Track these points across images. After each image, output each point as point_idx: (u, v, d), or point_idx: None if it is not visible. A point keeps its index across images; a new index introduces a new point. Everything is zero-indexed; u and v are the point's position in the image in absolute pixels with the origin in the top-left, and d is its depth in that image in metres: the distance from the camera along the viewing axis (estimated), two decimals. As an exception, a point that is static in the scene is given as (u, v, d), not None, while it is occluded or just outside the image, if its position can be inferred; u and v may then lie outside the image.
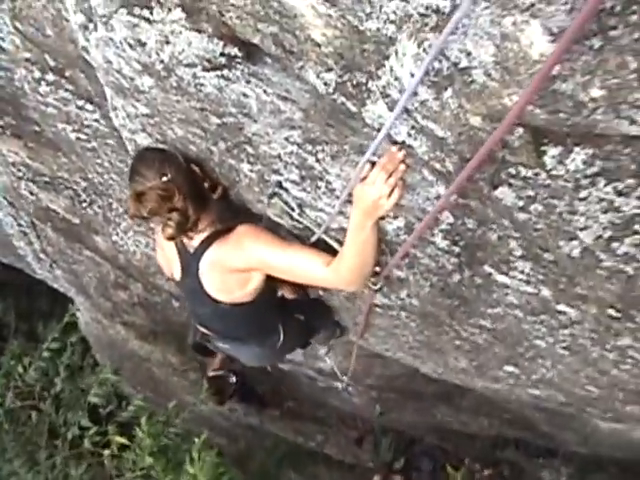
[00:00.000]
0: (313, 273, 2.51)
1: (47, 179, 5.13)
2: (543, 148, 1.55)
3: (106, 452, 5.30)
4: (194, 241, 2.72)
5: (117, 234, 5.33)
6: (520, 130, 1.53)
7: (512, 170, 1.66)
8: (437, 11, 1.49)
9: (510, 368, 2.99)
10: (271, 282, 2.79)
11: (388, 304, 2.89)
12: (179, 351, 7.41)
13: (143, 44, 2.24)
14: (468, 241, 2.17)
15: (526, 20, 1.31)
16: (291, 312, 3.39)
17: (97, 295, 6.78)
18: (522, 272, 2.16)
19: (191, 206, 2.58)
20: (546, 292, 2.19)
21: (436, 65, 1.54)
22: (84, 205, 5.29)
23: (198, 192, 2.64)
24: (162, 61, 2.24)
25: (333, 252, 2.52)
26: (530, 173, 1.63)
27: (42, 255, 6.53)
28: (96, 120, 3.90)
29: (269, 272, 2.64)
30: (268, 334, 3.25)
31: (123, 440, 5.13)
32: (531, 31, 1.32)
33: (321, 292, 3.42)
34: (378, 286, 2.62)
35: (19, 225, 6.22)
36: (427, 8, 1.50)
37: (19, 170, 5.03)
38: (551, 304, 2.24)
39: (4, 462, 5.49)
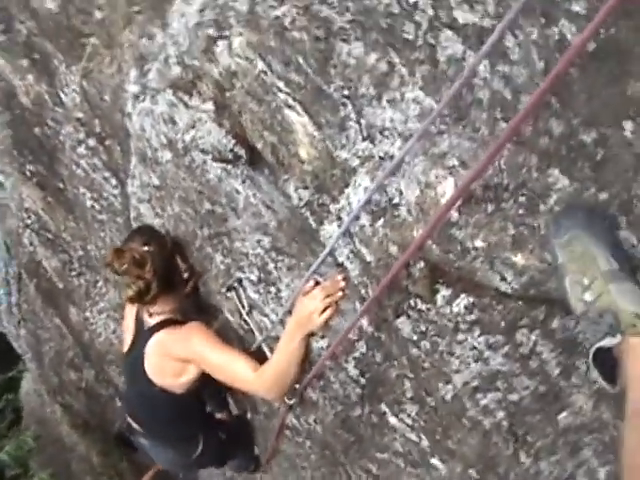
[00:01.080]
0: (240, 375, 2.87)
1: (50, 236, 5.52)
2: (437, 286, 1.95)
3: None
4: (152, 320, 3.12)
5: (91, 312, 5.65)
6: (422, 264, 1.94)
7: (412, 301, 2.05)
8: (391, 157, 1.95)
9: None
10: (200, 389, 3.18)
11: (297, 427, 3.18)
12: (103, 453, 7.45)
13: (174, 122, 2.73)
14: (373, 374, 2.51)
15: (444, 176, 1.76)
16: (215, 428, 3.68)
17: (49, 368, 6.97)
18: (409, 416, 2.47)
19: (156, 283, 2.99)
20: (425, 442, 2.50)
21: (377, 197, 1.98)
22: (73, 273, 5.64)
23: (169, 276, 3.07)
24: (184, 141, 2.72)
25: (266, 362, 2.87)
26: (424, 307, 2.02)
27: (15, 309, 6.82)
28: (114, 195, 4.37)
29: (204, 367, 2.98)
30: (186, 440, 3.53)
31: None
32: (446, 185, 1.76)
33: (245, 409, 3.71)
34: (292, 401, 2.93)
35: (7, 272, 6.56)
36: (385, 154, 1.95)
37: (29, 218, 5.46)
38: (427, 457, 2.53)
39: None
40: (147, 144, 2.94)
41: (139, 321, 3.10)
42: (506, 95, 1.67)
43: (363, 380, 2.58)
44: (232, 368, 2.87)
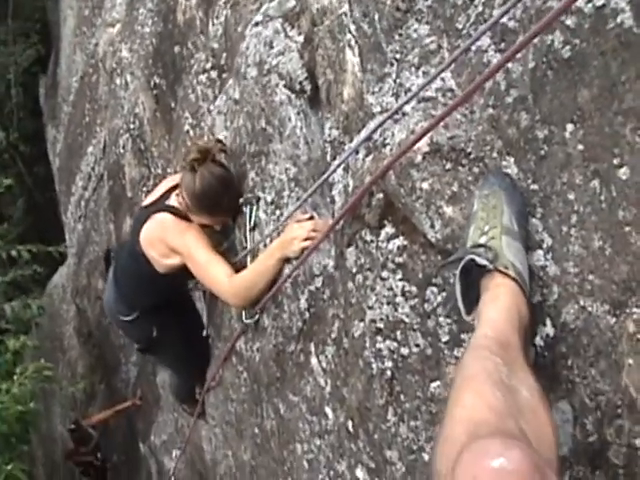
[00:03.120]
0: (215, 277, 3.32)
1: (142, 147, 6.12)
2: (385, 222, 2.31)
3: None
4: (171, 201, 3.56)
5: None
6: (380, 195, 2.31)
7: (363, 232, 2.41)
8: (404, 114, 2.34)
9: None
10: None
11: (242, 353, 3.54)
12: (90, 368, 7.90)
13: (272, 47, 3.21)
14: (317, 311, 2.87)
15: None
16: (175, 325, 4.10)
17: (84, 267, 7.53)
18: (326, 357, 2.80)
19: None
20: (327, 389, 2.82)
21: (377, 137, 2.37)
22: (144, 188, 6.17)
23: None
24: (270, 64, 3.19)
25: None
26: (369, 238, 2.37)
27: (83, 204, 7.44)
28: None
29: (187, 262, 3.43)
30: (143, 312, 4.00)
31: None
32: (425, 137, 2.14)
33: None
34: (252, 320, 3.30)
35: (92, 169, 7.19)
36: (400, 110, 2.35)
37: (134, 123, 6.07)
38: (324, 404, 2.85)
39: None
40: (244, 60, 3.43)
41: (167, 192, 3.49)
42: (502, 87, 2.04)
43: (307, 314, 2.93)
44: (210, 269, 3.31)
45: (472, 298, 1.87)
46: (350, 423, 2.65)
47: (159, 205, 3.42)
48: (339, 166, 2.54)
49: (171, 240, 3.28)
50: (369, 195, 2.34)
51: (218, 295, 3.33)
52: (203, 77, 4.88)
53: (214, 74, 4.73)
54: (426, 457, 2.30)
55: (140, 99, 6.06)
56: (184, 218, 3.35)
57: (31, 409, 5.32)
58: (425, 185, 2.12)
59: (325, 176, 2.59)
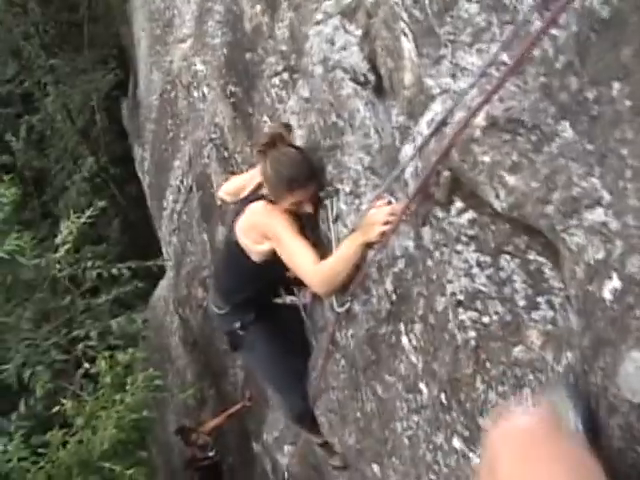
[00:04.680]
0: (302, 264, 3.52)
1: (226, 154, 6.38)
2: (454, 197, 2.47)
3: (85, 365, 6.35)
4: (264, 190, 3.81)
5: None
6: (447, 173, 2.47)
7: (435, 210, 2.58)
8: (462, 95, 2.49)
9: (375, 467, 3.68)
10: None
11: (338, 342, 3.73)
12: (198, 375, 8.23)
13: (333, 43, 3.40)
14: (403, 291, 3.04)
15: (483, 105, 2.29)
16: (272, 317, 4.27)
17: (183, 278, 7.88)
18: (415, 335, 2.97)
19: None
20: (420, 365, 2.98)
21: (438, 118, 2.53)
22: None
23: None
24: (334, 59, 3.38)
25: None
26: (441, 215, 2.54)
27: (175, 216, 7.78)
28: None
29: (276, 247, 3.62)
30: (234, 306, 4.21)
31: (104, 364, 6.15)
32: (482, 111, 2.29)
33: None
34: (344, 307, 3.49)
35: (181, 182, 7.52)
36: (459, 88, 2.50)
37: (215, 132, 6.35)
38: (418, 381, 3.01)
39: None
40: (310, 59, 3.63)
41: (260, 185, 3.71)
42: (550, 54, 2.17)
43: (394, 296, 3.10)
44: (297, 255, 3.51)
45: None
46: (443, 395, 2.81)
47: (252, 197, 3.66)
48: (410, 161, 2.70)
49: (262, 225, 3.50)
50: (436, 174, 2.50)
51: (304, 281, 3.46)
52: (276, 80, 5.10)
53: (286, 76, 4.94)
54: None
55: (219, 109, 6.34)
56: (276, 204, 3.50)
57: (145, 417, 5.67)
58: (486, 158, 2.26)
59: (399, 169, 2.76)
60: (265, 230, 3.48)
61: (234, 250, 3.68)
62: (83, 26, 11.58)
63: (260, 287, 4.10)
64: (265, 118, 5.43)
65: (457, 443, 2.76)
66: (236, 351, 4.56)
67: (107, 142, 11.31)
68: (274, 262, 3.53)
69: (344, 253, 3.23)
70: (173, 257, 8.20)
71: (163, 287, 8.88)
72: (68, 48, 11.62)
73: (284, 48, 4.94)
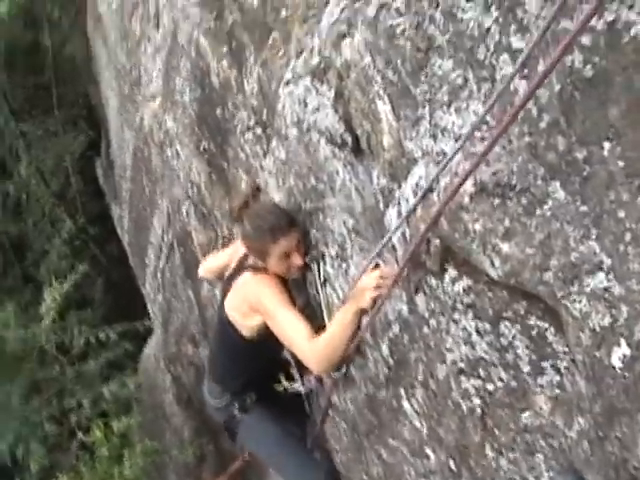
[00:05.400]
0: (297, 338, 3.33)
1: (205, 211, 6.28)
2: (447, 266, 2.37)
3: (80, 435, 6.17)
4: (250, 260, 3.67)
5: (219, 289, 6.29)
6: (437, 241, 2.37)
7: (428, 278, 2.48)
8: (444, 154, 2.40)
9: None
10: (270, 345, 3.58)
11: (337, 406, 3.61)
12: (196, 431, 8.07)
13: (306, 104, 3.31)
14: (400, 356, 2.93)
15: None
16: (269, 395, 4.00)
17: (172, 336, 7.74)
18: (417, 401, 2.86)
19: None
20: (424, 430, 2.87)
21: (423, 184, 2.44)
22: (214, 251, 6.31)
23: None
24: (308, 121, 3.29)
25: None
26: (434, 283, 2.44)
27: (159, 274, 7.65)
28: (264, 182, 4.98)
29: (267, 320, 3.37)
30: (236, 389, 3.98)
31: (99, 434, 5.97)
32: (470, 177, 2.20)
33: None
34: (339, 373, 3.36)
35: (162, 239, 7.40)
36: (441, 150, 2.41)
37: (192, 189, 6.25)
38: (424, 445, 2.90)
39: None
40: (283, 122, 3.54)
41: (244, 257, 3.59)
42: (534, 113, 2.08)
43: (391, 361, 2.99)
44: (291, 330, 3.34)
45: None
46: (452, 462, 2.70)
47: (237, 272, 3.54)
48: (398, 229, 2.60)
49: (251, 296, 3.35)
50: (426, 242, 2.40)
51: (299, 358, 3.30)
52: (249, 135, 5.01)
53: (259, 130, 4.85)
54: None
55: (193, 165, 6.25)
56: (263, 272, 3.40)
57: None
58: (477, 226, 2.17)
59: (387, 237, 2.66)
60: (255, 302, 3.33)
61: (226, 329, 3.56)
62: (51, 88, 11.48)
63: (257, 368, 3.89)
64: (241, 173, 5.34)
65: (470, 511, 2.64)
66: (235, 439, 4.16)
67: (84, 203, 11.19)
68: (268, 338, 3.34)
69: (339, 326, 3.03)
70: (159, 315, 8.05)
71: (152, 345, 8.72)
72: (37, 112, 11.52)
73: (254, 103, 4.86)
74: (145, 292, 8.66)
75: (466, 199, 2.19)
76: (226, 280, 3.68)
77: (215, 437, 7.79)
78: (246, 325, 3.43)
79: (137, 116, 7.92)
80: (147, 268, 8.29)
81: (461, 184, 2.12)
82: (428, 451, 2.85)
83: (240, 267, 3.57)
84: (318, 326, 3.44)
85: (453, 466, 2.67)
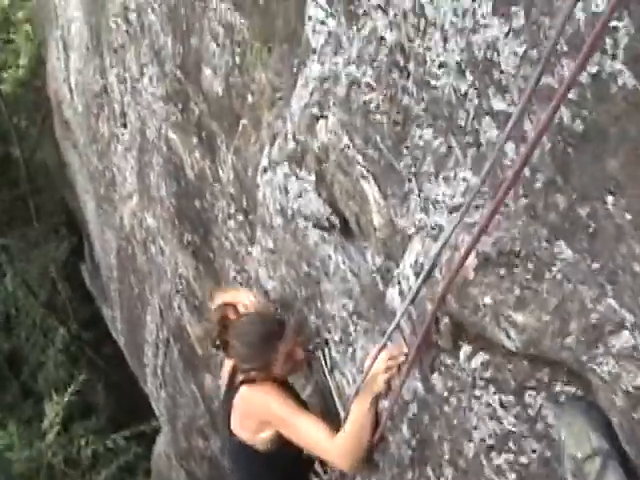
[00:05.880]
0: (316, 440, 3.11)
1: (197, 303, 6.16)
2: (460, 342, 2.25)
3: None
4: (241, 375, 3.29)
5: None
6: (446, 319, 2.26)
7: (442, 357, 2.35)
8: (439, 227, 2.31)
9: None
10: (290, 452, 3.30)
11: (362, 493, 3.44)
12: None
13: (287, 191, 3.23)
14: (422, 436, 2.79)
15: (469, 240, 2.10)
16: None
17: (180, 432, 7.54)
18: (447, 479, 2.71)
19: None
20: (459, 512, 2.71)
21: (422, 260, 2.34)
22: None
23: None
24: (292, 208, 3.21)
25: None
26: (449, 362, 2.31)
27: (159, 372, 7.48)
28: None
29: (281, 429, 3.13)
30: None
31: None
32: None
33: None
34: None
35: (157, 336, 7.26)
36: (435, 223, 2.32)
37: (181, 284, 6.14)
38: (462, 526, 2.74)
39: None
40: (266, 211, 3.45)
41: (234, 372, 3.36)
42: (527, 174, 2.00)
43: (414, 442, 2.85)
44: (309, 434, 3.11)
45: None
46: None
47: (232, 391, 3.30)
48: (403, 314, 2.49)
49: (256, 411, 3.15)
50: (435, 322, 2.28)
51: (325, 460, 3.14)
52: (231, 223, 4.94)
53: (240, 217, 4.78)
54: None
55: (179, 259, 6.16)
56: (259, 382, 3.20)
57: None
58: (487, 299, 2.06)
59: (392, 326, 2.54)
60: (263, 415, 3.14)
61: (240, 450, 3.32)
62: (27, 199, 11.41)
63: (283, 473, 3.57)
64: (229, 262, 5.24)
65: None
66: None
67: (74, 308, 11.03)
68: (285, 444, 3.14)
69: (358, 418, 2.85)
70: (165, 412, 7.85)
71: (162, 443, 8.49)
72: (17, 223, 11.43)
73: (232, 190, 4.80)
74: (148, 390, 8.46)
75: (471, 273, 2.08)
76: (223, 401, 3.50)
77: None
78: (259, 440, 3.22)
79: (116, 216, 7.84)
80: (146, 367, 8.11)
81: (464, 259, 2.01)
82: (467, 532, 2.68)
83: (232, 384, 3.33)
84: (331, 415, 3.30)
85: None
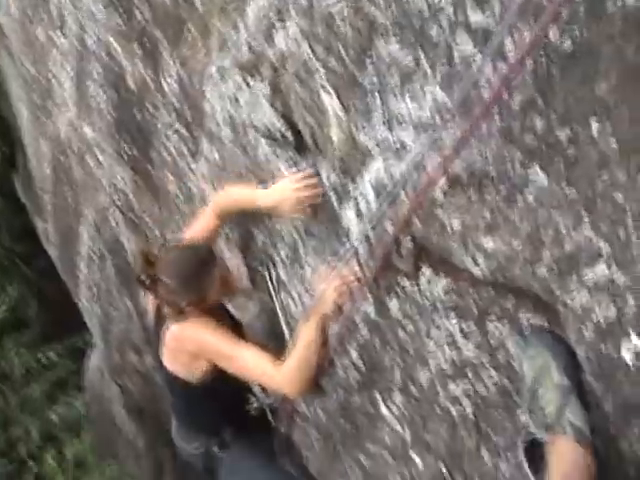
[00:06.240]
0: (259, 370, 2.92)
1: (134, 218, 5.91)
2: (422, 266, 2.13)
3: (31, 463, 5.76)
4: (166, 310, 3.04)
5: (158, 295, 5.94)
6: (409, 241, 2.12)
7: (400, 280, 2.23)
8: (403, 145, 2.15)
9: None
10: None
11: (306, 414, 3.36)
12: (149, 441, 7.72)
13: (238, 102, 3.01)
14: (371, 361, 2.69)
15: (438, 160, 1.95)
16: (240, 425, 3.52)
17: (114, 347, 7.36)
18: (396, 406, 2.63)
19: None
20: (407, 435, 2.64)
21: (385, 180, 2.19)
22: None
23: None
24: (243, 120, 3.00)
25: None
26: (409, 286, 2.19)
27: (93, 286, 7.23)
28: (195, 184, 4.68)
29: (220, 363, 2.93)
30: (205, 432, 3.50)
31: (52, 462, 5.57)
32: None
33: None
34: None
35: (91, 249, 6.99)
36: (399, 140, 2.16)
37: (119, 197, 5.88)
38: (408, 450, 2.67)
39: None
40: (213, 122, 3.24)
41: (159, 308, 3.12)
42: (505, 96, 1.84)
43: (362, 366, 2.75)
44: (251, 365, 2.92)
45: (540, 463, 1.88)
46: (443, 467, 2.49)
47: (159, 326, 3.08)
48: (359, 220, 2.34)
49: (188, 347, 2.95)
50: (396, 244, 2.15)
51: (271, 389, 3.03)
52: (172, 135, 4.68)
53: (183, 130, 4.53)
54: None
55: (117, 172, 5.87)
56: (187, 315, 2.96)
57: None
58: (455, 222, 1.93)
59: (351, 243, 2.39)
60: (196, 350, 2.94)
61: (175, 384, 3.14)
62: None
63: (224, 402, 3.33)
64: (169, 175, 5.00)
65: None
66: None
67: (6, 220, 10.57)
68: (221, 374, 2.97)
69: (306, 341, 2.70)
70: (98, 326, 7.65)
71: (94, 357, 8.31)
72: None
73: (175, 102, 4.53)
74: (81, 305, 8.22)
75: (439, 194, 1.94)
76: (152, 335, 3.29)
77: (171, 444, 7.45)
78: (194, 374, 3.03)
79: (52, 126, 7.45)
80: (80, 280, 7.85)
81: (434, 181, 1.87)
82: (414, 456, 2.63)
83: (160, 317, 3.09)
84: (275, 335, 3.18)
85: (444, 470, 2.46)
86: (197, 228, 3.17)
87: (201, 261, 2.97)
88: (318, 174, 2.54)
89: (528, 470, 1.88)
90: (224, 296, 3.23)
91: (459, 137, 1.80)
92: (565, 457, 1.81)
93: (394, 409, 2.63)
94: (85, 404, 6.83)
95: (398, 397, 2.57)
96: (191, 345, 3.02)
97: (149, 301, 3.33)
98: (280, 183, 2.79)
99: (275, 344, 3.24)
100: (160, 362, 3.22)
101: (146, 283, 2.87)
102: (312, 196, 2.66)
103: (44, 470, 5.63)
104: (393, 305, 2.29)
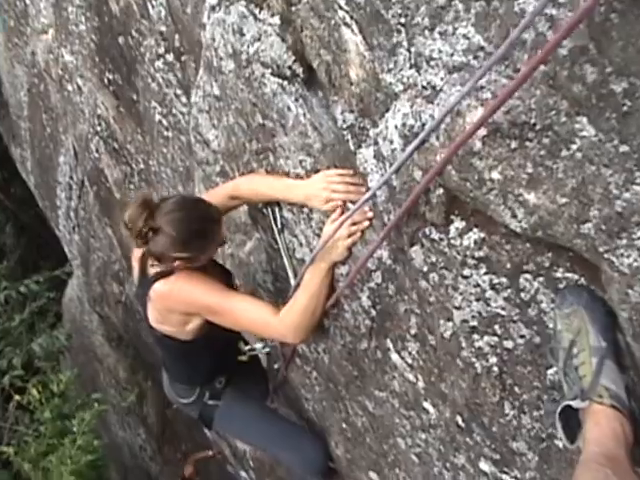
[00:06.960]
0: (259, 320, 2.79)
1: (116, 146, 5.71)
2: (452, 217, 2.01)
3: (16, 397, 5.67)
4: (152, 269, 2.88)
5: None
6: (440, 191, 2.00)
7: (427, 230, 2.11)
8: (433, 87, 2.00)
9: (373, 475, 3.29)
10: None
11: (307, 355, 3.27)
12: (130, 369, 7.67)
13: (242, 34, 2.82)
14: (384, 307, 2.58)
15: (475, 106, 1.81)
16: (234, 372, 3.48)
17: (94, 276, 7.22)
18: (410, 354, 2.54)
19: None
20: (420, 384, 2.56)
21: (412, 122, 2.04)
22: (131, 186, 5.81)
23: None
24: (248, 53, 2.81)
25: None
26: (437, 236, 2.07)
27: (72, 214, 7.06)
28: (182, 113, 4.49)
29: (211, 318, 2.81)
30: (203, 381, 3.43)
31: (35, 393, 5.49)
32: (476, 115, 1.81)
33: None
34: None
35: (71, 178, 6.78)
36: (428, 83, 2.00)
37: (100, 125, 5.65)
38: (420, 399, 2.60)
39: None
40: (214, 53, 3.04)
41: (144, 261, 2.91)
42: (549, 38, 1.69)
43: (374, 312, 2.65)
44: (249, 316, 2.76)
45: (575, 427, 1.81)
46: (459, 418, 2.42)
47: (145, 284, 2.90)
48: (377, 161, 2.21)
49: (178, 305, 2.80)
50: (425, 192, 2.02)
51: (272, 337, 2.96)
52: (159, 63, 4.47)
53: (170, 57, 4.33)
54: (560, 444, 2.06)
55: (98, 99, 5.64)
56: (174, 272, 2.82)
57: (100, 457, 5.07)
58: (494, 174, 1.80)
59: (372, 190, 2.25)
60: (186, 308, 2.80)
61: (164, 342, 3.01)
62: None
63: (216, 353, 3.24)
64: (154, 104, 4.80)
65: (485, 466, 2.39)
66: (210, 427, 3.56)
67: (-21, 146, 10.25)
68: (213, 328, 2.86)
69: (311, 287, 2.61)
70: (78, 255, 7.50)
71: (74, 286, 8.18)
72: None
73: (163, 28, 4.31)
74: (60, 234, 8.04)
75: (478, 143, 1.80)
76: (137, 292, 3.10)
77: (152, 373, 7.41)
78: (183, 332, 2.90)
79: (28, 51, 7.12)
80: (59, 209, 7.66)
81: (475, 129, 1.73)
82: (426, 405, 2.57)
83: (145, 274, 2.91)
84: (275, 271, 3.07)
85: (461, 422, 2.39)
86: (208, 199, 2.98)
87: (210, 219, 2.81)
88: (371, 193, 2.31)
89: (564, 435, 1.80)
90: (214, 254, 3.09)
91: (499, 82, 1.65)
92: (601, 424, 1.73)
93: (407, 358, 2.55)
94: (67, 334, 6.72)
95: (413, 346, 2.48)
96: (180, 302, 2.86)
97: (135, 257, 3.11)
98: (315, 176, 2.61)
99: (273, 283, 3.13)
100: (147, 322, 3.07)
101: (144, 232, 2.61)
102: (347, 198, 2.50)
103: (28, 400, 5.53)
104: (416, 254, 2.17)
